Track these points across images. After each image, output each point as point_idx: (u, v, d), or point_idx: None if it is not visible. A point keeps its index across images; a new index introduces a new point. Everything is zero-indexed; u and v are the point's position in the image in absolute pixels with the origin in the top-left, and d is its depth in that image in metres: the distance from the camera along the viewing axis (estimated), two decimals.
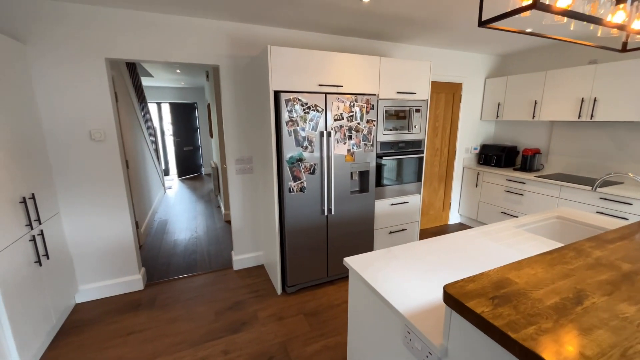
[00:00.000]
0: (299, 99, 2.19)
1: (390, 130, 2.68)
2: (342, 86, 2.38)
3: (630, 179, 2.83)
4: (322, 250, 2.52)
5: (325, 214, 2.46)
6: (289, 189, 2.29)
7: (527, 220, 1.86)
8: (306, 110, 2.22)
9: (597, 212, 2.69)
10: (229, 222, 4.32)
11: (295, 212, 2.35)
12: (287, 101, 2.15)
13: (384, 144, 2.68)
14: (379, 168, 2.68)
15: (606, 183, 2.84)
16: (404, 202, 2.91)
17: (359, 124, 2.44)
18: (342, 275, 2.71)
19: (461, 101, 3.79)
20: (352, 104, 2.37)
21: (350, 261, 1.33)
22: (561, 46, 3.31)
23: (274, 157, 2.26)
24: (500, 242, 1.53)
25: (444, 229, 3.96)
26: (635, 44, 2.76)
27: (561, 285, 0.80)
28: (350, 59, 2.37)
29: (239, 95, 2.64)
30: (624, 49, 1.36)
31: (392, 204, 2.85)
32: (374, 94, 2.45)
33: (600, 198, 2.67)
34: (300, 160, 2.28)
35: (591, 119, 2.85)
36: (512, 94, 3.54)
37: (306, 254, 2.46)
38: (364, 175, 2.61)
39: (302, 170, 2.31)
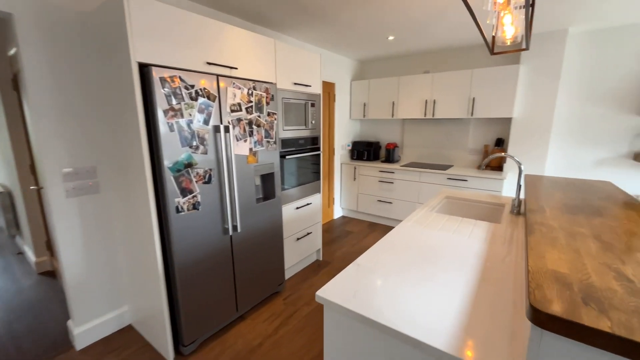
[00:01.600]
0: (182, 80, 1.54)
1: (291, 126, 2.39)
2: (237, 68, 1.88)
3: (460, 162, 3.73)
4: (227, 281, 1.94)
5: (230, 232, 1.89)
6: (177, 207, 1.60)
7: (432, 203, 2.03)
8: (193, 96, 1.60)
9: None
10: (49, 273, 2.80)
11: (188, 239, 1.67)
12: (163, 81, 1.47)
13: (285, 142, 2.36)
14: (282, 169, 2.35)
15: (441, 166, 3.63)
16: (308, 204, 2.70)
17: (259, 116, 2.01)
18: (255, 304, 2.21)
19: (335, 100, 3.97)
20: (250, 91, 1.92)
21: (325, 294, 0.96)
22: (407, 57, 4.02)
23: (147, 164, 1.51)
24: (438, 228, 1.56)
25: (332, 225, 4.06)
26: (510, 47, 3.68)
27: (590, 261, 0.77)
28: (244, 37, 1.91)
29: (66, 69, 1.64)
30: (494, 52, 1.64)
31: (298, 208, 2.58)
32: (273, 83, 2.09)
33: (448, 178, 3.38)
34: (190, 165, 1.63)
35: (433, 116, 3.58)
36: (374, 95, 4.01)
37: (207, 293, 1.82)
38: (268, 178, 2.21)
39: (194, 180, 1.66)
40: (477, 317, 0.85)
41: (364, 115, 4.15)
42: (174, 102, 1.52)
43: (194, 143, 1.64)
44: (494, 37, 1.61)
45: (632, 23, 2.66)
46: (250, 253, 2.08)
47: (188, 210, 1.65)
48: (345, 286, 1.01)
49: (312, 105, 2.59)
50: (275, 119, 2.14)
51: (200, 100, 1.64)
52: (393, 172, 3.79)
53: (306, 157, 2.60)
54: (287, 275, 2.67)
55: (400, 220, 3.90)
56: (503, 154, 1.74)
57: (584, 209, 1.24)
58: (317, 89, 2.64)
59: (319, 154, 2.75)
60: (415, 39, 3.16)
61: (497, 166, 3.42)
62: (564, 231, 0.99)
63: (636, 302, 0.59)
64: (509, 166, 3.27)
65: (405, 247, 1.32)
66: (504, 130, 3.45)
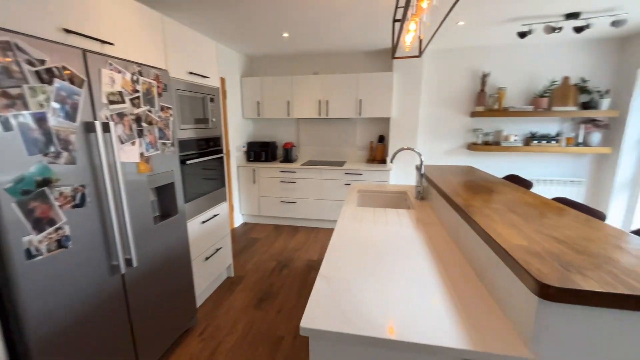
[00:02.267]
0: (20, 49, 0.98)
1: (189, 124, 1.97)
2: (112, 44, 1.37)
3: (351, 158, 4.07)
4: (121, 334, 1.42)
5: (121, 270, 1.38)
6: (28, 251, 1.02)
7: (351, 198, 2.10)
8: (45, 78, 1.05)
9: (345, 183, 3.66)
10: None
11: (51, 296, 1.11)
12: None
13: (184, 143, 1.93)
14: (183, 176, 1.91)
15: (337, 163, 3.89)
16: (215, 215, 2.32)
17: (150, 111, 1.55)
18: (163, 351, 1.71)
19: (226, 97, 3.60)
20: (135, 77, 1.44)
21: (311, 324, 0.80)
22: (298, 57, 4.05)
23: None
24: (371, 221, 1.60)
25: (235, 234, 3.69)
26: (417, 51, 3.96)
27: (528, 231, 0.93)
28: (122, 3, 1.41)
29: None
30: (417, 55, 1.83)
31: (204, 221, 2.17)
32: (164, 69, 1.65)
33: (345, 173, 3.64)
34: (46, 182, 1.07)
35: (327, 116, 3.76)
36: (268, 94, 3.87)
37: None
38: (167, 190, 1.74)
39: (57, 204, 1.11)
40: (464, 299, 0.89)
41: (259, 114, 3.95)
42: (7, 83, 0.95)
43: (52, 149, 1.08)
44: (397, 43, 1.78)
45: (461, 47, 3.56)
46: (152, 290, 1.59)
47: (49, 251, 1.09)
48: (326, 307, 0.87)
49: (212, 100, 2.23)
50: (170, 115, 1.70)
51: (58, 84, 1.09)
52: (294, 172, 3.77)
53: (209, 160, 2.21)
54: (198, 302, 2.22)
55: (307, 219, 3.94)
56: (406, 147, 1.97)
57: (479, 189, 1.53)
58: (215, 81, 2.29)
59: (222, 157, 2.40)
60: (309, 39, 3.21)
61: (382, 159, 3.93)
62: (488, 209, 1.17)
63: (591, 260, 0.73)
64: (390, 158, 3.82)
65: (357, 247, 1.28)
66: (384, 128, 4.00)
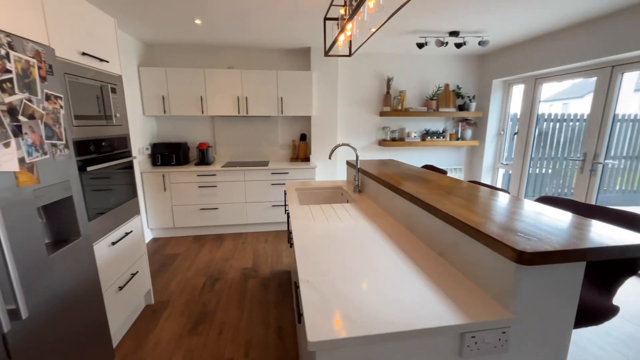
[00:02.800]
0: None
1: (85, 119, 1.53)
2: None
3: (274, 157, 3.97)
4: None
5: (4, 328, 0.96)
6: None
7: (292, 197, 2.05)
8: None
9: (272, 183, 3.55)
10: None
11: None
12: None
13: (82, 144, 1.48)
14: (83, 187, 1.47)
15: (260, 163, 3.75)
16: (128, 233, 1.89)
17: (30, 100, 1.13)
18: None
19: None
20: (4, 52, 1.02)
21: (321, 336, 0.73)
22: (211, 48, 3.66)
23: None
24: (324, 219, 1.59)
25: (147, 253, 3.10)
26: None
27: (474, 210, 1.08)
28: None
29: None
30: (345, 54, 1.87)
31: (114, 242, 1.74)
32: (46, 46, 1.22)
33: (272, 173, 3.52)
34: None
35: (247, 114, 3.56)
36: (176, 88, 3.38)
37: None
38: (63, 207, 1.31)
39: None
40: (440, 280, 0.96)
41: (165, 111, 3.42)
42: None
43: None
44: (334, 42, 1.81)
45: (370, 52, 3.91)
46: (51, 344, 1.17)
47: None
48: (326, 315, 0.80)
49: (113, 90, 1.79)
50: (61, 107, 1.28)
51: None
52: (215, 175, 3.43)
53: (116, 166, 1.78)
54: (115, 342, 1.76)
55: (232, 225, 3.64)
56: (342, 143, 2.04)
57: (412, 178, 1.71)
58: (116, 67, 1.85)
59: (131, 161, 1.97)
60: (225, 29, 2.95)
61: (305, 157, 3.97)
62: (434, 195, 1.32)
63: (531, 225, 0.90)
64: (315, 157, 3.90)
65: (325, 246, 1.24)
66: (305, 126, 4.05)
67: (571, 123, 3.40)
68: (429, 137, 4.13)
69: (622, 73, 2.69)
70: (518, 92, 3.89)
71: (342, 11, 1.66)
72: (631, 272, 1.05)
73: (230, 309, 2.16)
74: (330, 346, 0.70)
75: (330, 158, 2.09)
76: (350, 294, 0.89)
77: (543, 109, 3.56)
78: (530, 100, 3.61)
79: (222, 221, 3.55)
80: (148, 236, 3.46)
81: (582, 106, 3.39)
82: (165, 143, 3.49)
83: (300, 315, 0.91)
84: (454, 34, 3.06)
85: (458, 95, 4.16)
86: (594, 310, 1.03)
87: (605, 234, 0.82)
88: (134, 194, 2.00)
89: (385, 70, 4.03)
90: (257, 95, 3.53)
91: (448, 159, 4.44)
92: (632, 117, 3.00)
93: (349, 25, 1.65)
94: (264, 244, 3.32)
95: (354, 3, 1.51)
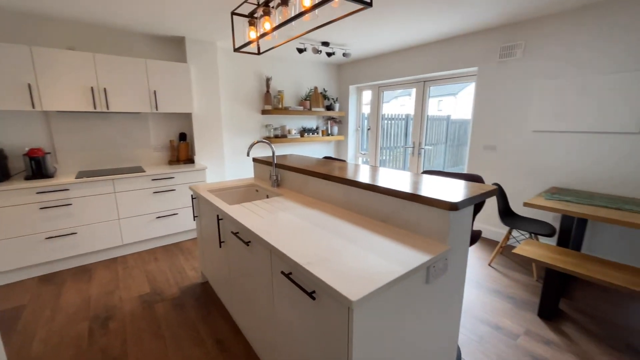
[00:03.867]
0: None
1: None
2: None
3: (146, 161, 3.40)
4: None
5: None
6: None
7: (210, 199, 1.94)
8: None
9: (155, 192, 3.03)
10: None
11: None
12: None
13: None
14: None
15: (130, 169, 3.14)
16: None
17: None
18: None
19: None
20: None
21: (357, 293, 0.88)
22: (39, 19, 2.63)
23: None
24: (272, 211, 1.65)
25: None
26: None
27: (383, 179, 1.48)
28: None
29: None
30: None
31: None
32: None
33: (153, 179, 3.01)
34: None
35: (108, 109, 2.86)
36: None
37: None
38: None
39: None
40: (397, 236, 1.26)
41: None
42: None
43: None
44: (251, 42, 1.83)
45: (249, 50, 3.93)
46: None
47: None
48: (348, 279, 0.94)
49: None
50: None
51: None
52: (67, 189, 2.59)
53: None
54: None
55: (101, 251, 2.85)
56: (257, 140, 2.10)
57: (329, 167, 2.01)
58: None
59: None
60: None
61: (188, 159, 3.59)
62: (365, 178, 1.64)
63: (432, 186, 1.35)
64: (200, 157, 3.59)
65: (295, 234, 1.33)
66: (184, 124, 3.63)
67: (403, 121, 4.67)
68: (306, 134, 4.61)
69: (430, 87, 3.98)
70: (367, 96, 4.95)
71: (260, 11, 1.71)
72: (478, 210, 1.72)
73: (145, 343, 1.81)
74: (365, 299, 0.86)
75: (248, 155, 2.07)
76: (349, 260, 1.05)
77: (386, 109, 4.71)
78: (376, 103, 4.69)
79: (84, 248, 2.74)
80: None
81: (408, 108, 4.74)
82: None
83: (312, 293, 1.00)
84: (325, 43, 3.57)
85: (325, 97, 4.83)
86: (473, 234, 1.64)
87: (475, 189, 1.36)
88: None
89: (264, 70, 4.16)
90: (121, 87, 2.89)
91: (322, 151, 5.09)
92: (433, 117, 4.46)
93: (267, 25, 1.72)
94: (154, 263, 2.83)
95: (274, 5, 1.61)
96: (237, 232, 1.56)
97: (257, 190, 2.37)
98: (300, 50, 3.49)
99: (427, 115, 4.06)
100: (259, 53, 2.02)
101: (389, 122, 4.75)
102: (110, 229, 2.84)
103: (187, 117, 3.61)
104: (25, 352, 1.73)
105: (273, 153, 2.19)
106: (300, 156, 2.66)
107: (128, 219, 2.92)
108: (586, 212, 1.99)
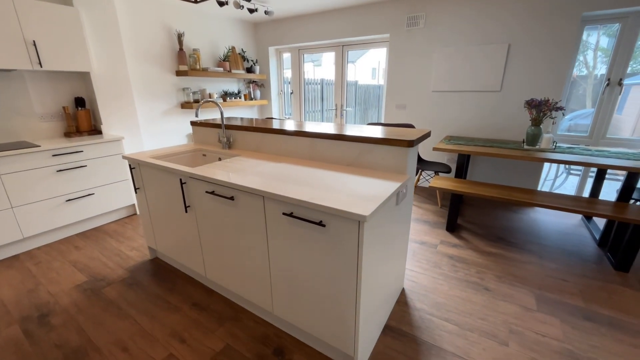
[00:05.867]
0: None
1: None
2: None
3: (31, 134, 2.74)
4: None
5: None
6: None
7: (161, 165, 1.81)
8: None
9: (58, 170, 2.49)
10: None
11: None
12: None
13: None
14: None
15: (6, 145, 2.48)
16: None
17: None
18: None
19: None
20: None
21: (365, 212, 1.09)
22: None
23: None
24: (240, 170, 1.68)
25: None
26: None
27: (340, 127, 1.73)
28: None
29: None
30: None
31: None
32: None
33: (54, 155, 2.45)
34: None
35: None
36: None
37: None
38: None
39: None
40: (368, 173, 1.52)
41: None
42: None
43: None
44: None
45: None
46: None
47: None
48: (350, 204, 1.14)
49: None
50: None
51: None
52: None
53: None
54: None
55: None
56: (206, 100, 2.00)
57: (279, 124, 2.10)
58: None
59: None
60: None
61: (92, 129, 2.99)
62: (320, 130, 1.82)
63: (389, 134, 1.67)
64: (109, 127, 3.04)
65: (279, 182, 1.43)
66: (80, 87, 2.95)
67: (325, 85, 4.91)
68: (229, 98, 4.37)
69: (348, 51, 4.27)
70: (287, 59, 4.93)
71: None
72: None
73: (108, 325, 1.67)
74: (371, 216, 1.09)
75: (197, 116, 1.93)
76: (339, 195, 1.25)
77: (307, 74, 4.83)
78: (297, 67, 4.75)
79: None
80: None
81: (323, 73, 4.98)
82: None
83: (320, 222, 1.17)
84: None
85: (244, 58, 4.59)
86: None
87: (417, 132, 1.72)
88: None
89: (174, 24, 3.65)
90: None
91: (246, 116, 4.93)
92: (352, 82, 4.85)
93: None
94: (77, 252, 2.43)
95: None
96: (213, 191, 1.55)
97: (204, 155, 2.27)
98: (221, 4, 3.19)
99: (347, 80, 4.39)
100: (196, 1, 1.83)
101: (310, 86, 4.92)
102: (4, 221, 2.25)
103: (84, 77, 2.94)
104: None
105: (222, 114, 2.11)
106: (242, 118, 2.61)
107: (25, 206, 2.35)
108: (472, 150, 2.70)
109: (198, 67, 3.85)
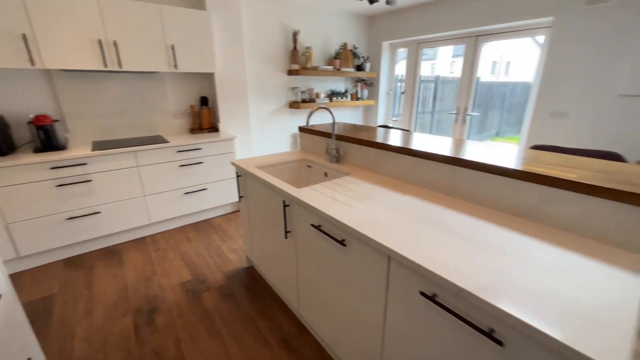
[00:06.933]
0: None
1: None
2: None
3: (165, 129, 3.01)
4: None
5: None
6: None
7: (268, 179, 1.60)
8: None
9: (181, 165, 2.69)
10: None
11: None
12: None
13: None
14: None
15: (148, 139, 2.75)
16: None
17: None
18: None
19: None
20: None
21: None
22: None
23: None
24: (356, 199, 1.33)
25: None
26: None
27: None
28: None
29: None
30: None
31: None
32: None
33: (178, 151, 2.65)
34: None
35: (120, 68, 2.41)
36: None
37: None
38: None
39: None
40: (558, 239, 0.96)
41: None
42: None
43: None
44: None
45: None
46: None
47: None
48: (550, 314, 0.64)
49: None
50: None
51: None
52: (85, 164, 2.25)
53: None
54: None
55: (127, 231, 2.59)
56: (317, 107, 1.71)
57: (403, 139, 1.65)
58: None
59: None
60: None
61: (211, 127, 3.19)
62: (469, 156, 1.30)
63: (598, 174, 1.01)
64: (225, 125, 3.18)
65: (405, 229, 1.02)
66: (205, 87, 3.17)
67: (440, 83, 4.18)
68: (335, 98, 4.14)
69: (482, 43, 3.45)
70: (402, 55, 4.38)
71: None
72: None
73: (200, 342, 1.59)
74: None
75: (307, 125, 1.70)
76: (525, 288, 0.75)
77: (424, 70, 4.19)
78: (414, 62, 4.15)
79: (110, 229, 2.46)
80: None
81: (438, 69, 4.23)
82: None
83: (497, 341, 0.71)
84: None
85: (355, 55, 4.27)
86: None
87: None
88: None
89: (290, 23, 3.59)
90: (133, 40, 2.41)
91: (349, 118, 4.65)
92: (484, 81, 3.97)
93: None
94: (188, 244, 2.58)
95: None
96: (319, 226, 1.25)
97: (309, 166, 2.03)
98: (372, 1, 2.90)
99: (478, 78, 3.58)
100: None
101: (424, 84, 4.26)
102: (136, 207, 2.54)
103: (209, 78, 3.14)
104: (67, 355, 1.52)
105: (333, 122, 1.81)
106: (353, 125, 2.28)
107: (154, 195, 2.61)
108: None
109: (309, 65, 3.72)
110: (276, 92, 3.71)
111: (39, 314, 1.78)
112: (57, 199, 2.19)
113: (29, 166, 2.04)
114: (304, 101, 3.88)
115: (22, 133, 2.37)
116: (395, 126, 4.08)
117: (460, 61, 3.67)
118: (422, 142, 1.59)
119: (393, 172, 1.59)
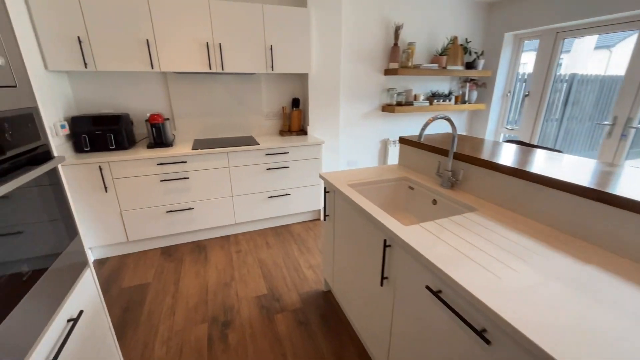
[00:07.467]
0: None
1: None
2: None
3: (257, 130, 3.00)
4: None
5: None
6: None
7: (359, 201, 1.28)
8: None
9: (268, 168, 2.63)
10: None
11: None
12: None
13: None
14: None
15: (241, 140, 2.75)
16: (74, 322, 0.92)
17: None
18: None
19: None
20: None
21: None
22: None
23: None
24: (493, 259, 0.90)
25: None
26: None
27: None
28: None
29: None
30: None
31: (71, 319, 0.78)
32: None
33: (267, 154, 2.59)
34: None
35: (222, 70, 2.45)
36: (101, 24, 2.06)
37: None
38: None
39: None
40: None
41: (86, 64, 2.11)
42: None
43: None
44: None
45: None
46: None
47: None
48: None
49: None
50: None
51: None
52: (184, 162, 2.36)
53: (24, 182, 0.76)
54: None
55: (214, 228, 2.68)
56: (434, 117, 1.30)
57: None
58: None
59: (54, 169, 0.93)
60: None
61: (300, 129, 3.08)
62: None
63: None
64: (313, 128, 3.03)
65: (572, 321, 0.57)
66: (297, 88, 3.08)
67: (576, 84, 3.17)
68: (435, 101, 3.57)
69: None
70: (529, 47, 3.51)
71: None
72: None
73: None
74: None
75: (421, 139, 1.34)
76: None
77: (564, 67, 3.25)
78: (548, 58, 3.26)
79: (199, 224, 2.56)
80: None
81: (608, 63, 3.19)
82: (93, 116, 2.24)
83: None
84: None
85: (466, 50, 3.61)
86: None
87: None
88: (66, 214, 1.00)
89: (393, 17, 3.20)
90: (236, 42, 2.42)
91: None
92: (592, 76, 2.85)
93: None
94: (266, 249, 2.50)
95: None
96: (439, 292, 0.88)
97: (411, 188, 1.65)
98: None
99: None
100: None
101: (555, 85, 3.31)
102: (224, 207, 2.59)
103: (302, 79, 3.02)
104: (148, 355, 1.53)
105: (454, 136, 1.38)
106: (471, 138, 1.79)
107: (241, 196, 2.62)
108: None
109: (410, 64, 3.27)
110: (370, 93, 3.39)
111: (134, 303, 1.90)
112: (160, 193, 2.35)
113: (142, 161, 2.23)
114: (399, 104, 3.45)
115: (141, 129, 2.65)
116: (529, 142, 3.28)
117: (603, 54, 2.69)
118: (599, 172, 1.04)
119: (549, 216, 1.08)
